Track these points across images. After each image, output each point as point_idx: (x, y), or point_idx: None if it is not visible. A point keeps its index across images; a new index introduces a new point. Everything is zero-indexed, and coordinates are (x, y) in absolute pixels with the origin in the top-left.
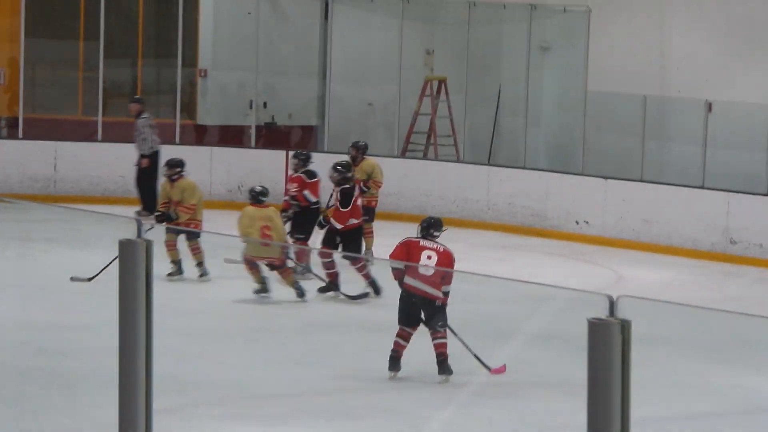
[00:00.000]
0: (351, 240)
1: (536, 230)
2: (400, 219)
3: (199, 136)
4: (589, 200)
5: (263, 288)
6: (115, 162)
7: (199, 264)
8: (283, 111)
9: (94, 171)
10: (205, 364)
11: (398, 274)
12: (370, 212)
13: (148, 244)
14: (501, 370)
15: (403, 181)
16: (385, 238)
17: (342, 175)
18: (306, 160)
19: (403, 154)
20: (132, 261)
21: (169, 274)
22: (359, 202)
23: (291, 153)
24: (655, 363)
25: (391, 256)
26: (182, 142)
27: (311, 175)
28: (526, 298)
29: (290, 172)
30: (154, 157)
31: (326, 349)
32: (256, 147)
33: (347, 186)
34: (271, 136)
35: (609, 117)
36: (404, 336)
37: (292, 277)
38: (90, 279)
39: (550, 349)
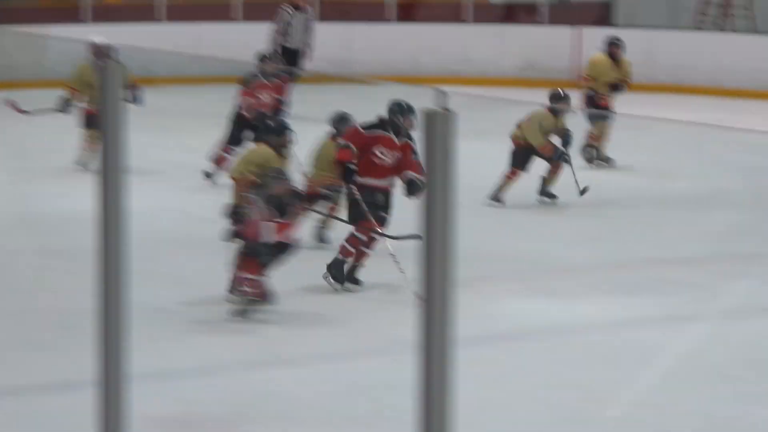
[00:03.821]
0: None
1: None
2: (694, 92)
3: (489, 14)
4: None
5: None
6: (408, 41)
7: None
8: None
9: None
10: (499, 237)
11: None
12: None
13: (452, 116)
14: None
15: (697, 55)
16: (681, 113)
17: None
18: None
19: (697, 26)
20: (435, 133)
21: None
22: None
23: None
24: None
25: None
26: (473, 20)
27: None
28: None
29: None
30: None
31: (620, 226)
32: (549, 24)
33: None
34: (564, 13)
35: None
36: None
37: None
38: None
39: None
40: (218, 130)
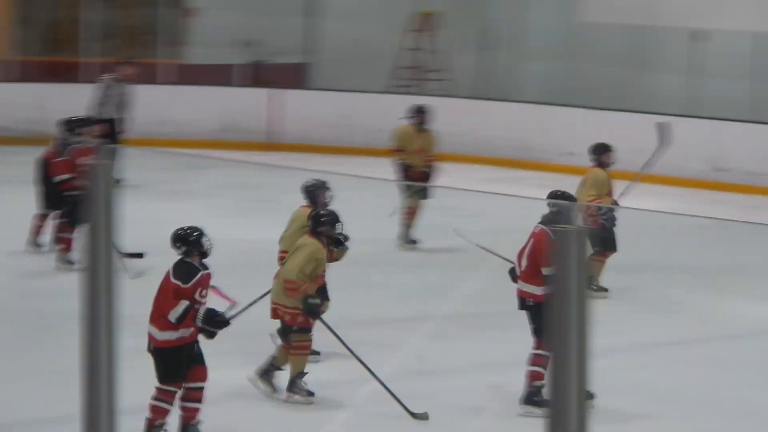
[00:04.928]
0: None
1: (524, 162)
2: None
3: (186, 75)
4: (574, 131)
5: None
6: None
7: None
8: (270, 49)
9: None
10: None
11: None
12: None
13: (107, 168)
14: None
15: (391, 118)
16: (381, 174)
17: None
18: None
19: (391, 89)
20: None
21: None
22: None
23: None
24: (641, 288)
25: None
26: (166, 82)
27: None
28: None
29: None
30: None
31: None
32: (241, 85)
33: None
34: (259, 75)
35: (597, 48)
36: None
37: None
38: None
39: None
40: None
